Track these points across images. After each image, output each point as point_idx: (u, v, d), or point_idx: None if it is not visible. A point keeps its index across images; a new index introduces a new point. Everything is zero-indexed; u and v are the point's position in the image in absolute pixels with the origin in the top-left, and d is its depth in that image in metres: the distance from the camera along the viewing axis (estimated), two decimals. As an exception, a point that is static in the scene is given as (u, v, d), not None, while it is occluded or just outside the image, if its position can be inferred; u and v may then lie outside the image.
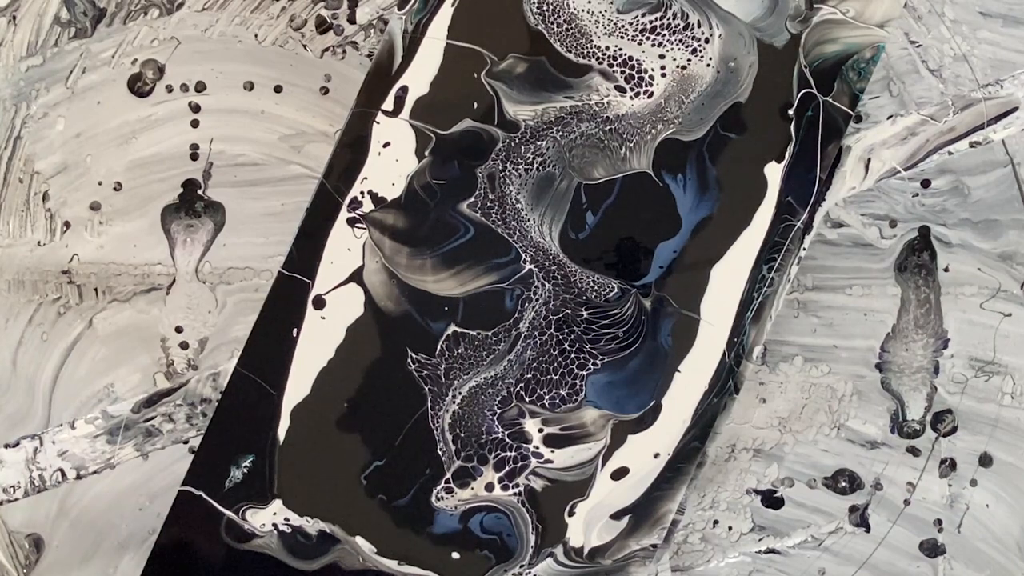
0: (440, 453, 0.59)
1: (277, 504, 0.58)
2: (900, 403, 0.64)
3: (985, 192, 0.63)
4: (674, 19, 0.58)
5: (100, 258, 0.60)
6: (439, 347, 0.58)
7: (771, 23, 0.59)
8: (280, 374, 0.58)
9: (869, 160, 0.61)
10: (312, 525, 0.59)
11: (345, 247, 0.58)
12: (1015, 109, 0.62)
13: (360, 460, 0.58)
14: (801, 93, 0.59)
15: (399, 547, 0.59)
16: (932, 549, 0.65)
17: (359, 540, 0.58)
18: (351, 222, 0.58)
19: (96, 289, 0.61)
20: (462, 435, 0.59)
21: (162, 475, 0.61)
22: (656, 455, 0.60)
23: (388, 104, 0.58)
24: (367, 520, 0.59)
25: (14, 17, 0.59)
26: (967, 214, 0.63)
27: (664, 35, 0.58)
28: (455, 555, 0.59)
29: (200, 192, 0.61)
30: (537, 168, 0.58)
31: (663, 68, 0.59)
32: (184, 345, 0.61)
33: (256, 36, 0.60)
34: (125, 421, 0.60)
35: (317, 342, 0.58)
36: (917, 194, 0.63)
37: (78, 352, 0.61)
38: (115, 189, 0.60)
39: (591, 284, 0.59)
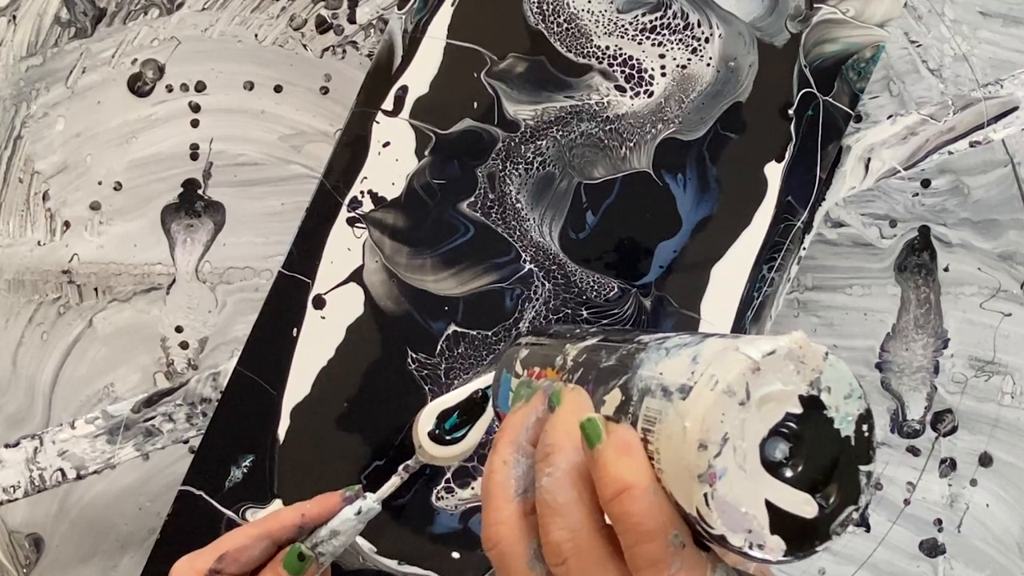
0: (440, 453, 0.59)
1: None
2: (900, 403, 0.64)
3: (985, 192, 0.63)
4: (674, 19, 0.58)
5: (100, 258, 0.60)
6: (439, 347, 0.58)
7: (771, 23, 0.59)
8: (280, 374, 0.58)
9: (869, 160, 0.61)
10: (312, 525, 0.59)
11: (345, 247, 0.58)
12: (1015, 109, 0.62)
13: (360, 460, 0.58)
14: (801, 93, 0.59)
15: (399, 547, 0.59)
16: (932, 549, 0.65)
17: (359, 540, 0.58)
18: (351, 222, 0.58)
19: (96, 289, 0.61)
20: (462, 435, 0.59)
21: (162, 475, 0.61)
22: (656, 455, 0.59)
23: (388, 104, 0.58)
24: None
25: (14, 17, 0.59)
26: (967, 214, 0.63)
27: (664, 35, 0.58)
28: (455, 555, 0.59)
29: (200, 192, 0.61)
30: (537, 168, 0.58)
31: (663, 68, 0.59)
32: (184, 345, 0.61)
33: (256, 36, 0.60)
34: (125, 421, 0.60)
35: (317, 342, 0.58)
36: (917, 194, 0.63)
37: (78, 352, 0.61)
38: (115, 189, 0.60)
39: (591, 284, 0.59)
